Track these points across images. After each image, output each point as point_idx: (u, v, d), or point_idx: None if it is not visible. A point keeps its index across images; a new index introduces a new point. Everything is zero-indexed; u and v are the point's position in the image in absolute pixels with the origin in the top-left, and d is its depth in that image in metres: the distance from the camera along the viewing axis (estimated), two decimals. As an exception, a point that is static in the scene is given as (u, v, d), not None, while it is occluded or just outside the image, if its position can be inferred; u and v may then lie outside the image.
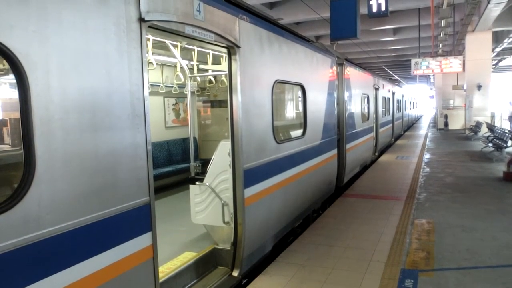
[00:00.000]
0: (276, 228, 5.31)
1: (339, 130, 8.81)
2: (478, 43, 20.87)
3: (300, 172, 6.10)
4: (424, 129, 29.14)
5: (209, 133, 9.09)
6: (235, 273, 4.39)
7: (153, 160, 3.06)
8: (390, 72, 43.76)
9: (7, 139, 4.04)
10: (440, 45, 21.57)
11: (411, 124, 34.72)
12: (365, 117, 11.58)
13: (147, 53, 4.10)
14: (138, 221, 2.88)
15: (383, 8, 9.76)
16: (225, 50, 4.25)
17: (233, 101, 4.24)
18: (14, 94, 2.16)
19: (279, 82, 5.35)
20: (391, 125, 18.25)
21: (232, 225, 4.38)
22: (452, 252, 5.06)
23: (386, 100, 16.50)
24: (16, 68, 2.08)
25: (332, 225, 6.32)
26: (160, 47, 6.66)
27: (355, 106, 10.04)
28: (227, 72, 4.30)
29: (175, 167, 7.98)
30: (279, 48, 5.31)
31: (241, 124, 4.27)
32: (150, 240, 2.98)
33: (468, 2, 15.39)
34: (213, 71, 7.64)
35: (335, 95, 8.23)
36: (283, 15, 17.96)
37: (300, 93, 6.47)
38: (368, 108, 12.24)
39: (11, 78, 2.22)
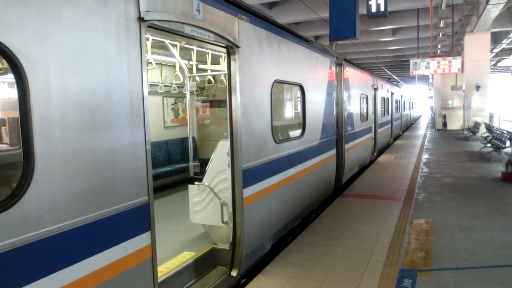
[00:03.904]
0: (275, 228, 5.31)
1: (338, 130, 8.82)
2: (476, 43, 20.92)
3: (299, 172, 6.11)
4: (422, 129, 29.17)
5: (208, 133, 9.09)
6: (234, 273, 4.40)
7: (152, 160, 3.09)
8: (389, 72, 43.82)
9: (6, 138, 4.04)
10: (439, 46, 21.63)
11: (410, 125, 34.76)
12: (364, 117, 11.59)
13: (146, 52, 4.11)
14: (137, 220, 2.88)
15: (382, 9, 9.78)
16: (224, 50, 4.26)
17: (232, 101, 4.24)
18: (14, 93, 2.16)
19: (278, 82, 5.35)
20: (389, 125, 18.27)
21: (231, 224, 4.38)
22: (450, 252, 5.07)
23: (385, 101, 16.53)
24: (15, 67, 2.08)
25: (331, 225, 6.33)
26: (159, 46, 6.67)
27: (354, 106, 10.05)
28: (226, 72, 4.31)
29: (174, 166, 7.98)
30: (278, 48, 5.32)
31: (240, 124, 4.28)
32: (149, 239, 2.98)
33: (467, 3, 15.41)
34: (212, 71, 7.64)
35: (334, 95, 8.24)
36: (282, 15, 17.98)
37: (299, 93, 6.47)
38: (367, 108, 12.25)
39: (10, 77, 2.22)
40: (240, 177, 4.27)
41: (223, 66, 6.72)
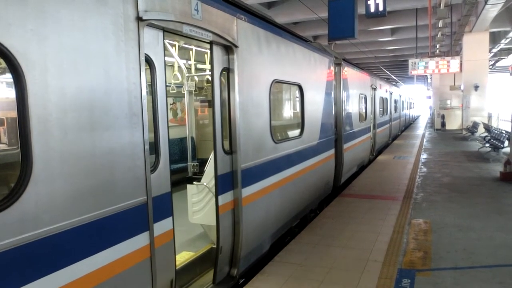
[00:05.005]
0: (274, 227, 5.31)
1: (337, 130, 8.82)
2: (475, 43, 20.96)
3: (298, 172, 6.10)
4: (421, 129, 29.21)
5: (206, 132, 9.07)
6: (233, 273, 4.39)
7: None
8: (388, 72, 43.84)
9: (5, 138, 4.03)
10: (438, 46, 21.64)
11: (408, 125, 34.80)
12: (362, 117, 11.59)
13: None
14: (135, 220, 2.87)
15: (381, 8, 9.78)
16: (209, 45, 4.07)
17: (230, 99, 4.24)
18: (12, 93, 2.15)
19: (277, 82, 5.35)
20: (388, 125, 18.29)
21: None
22: (449, 252, 5.07)
23: (383, 100, 16.54)
24: (13, 67, 2.07)
25: (330, 225, 6.33)
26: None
27: (352, 106, 10.05)
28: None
29: (173, 166, 7.95)
30: (277, 48, 5.32)
31: (239, 124, 4.27)
32: (148, 239, 2.98)
33: (465, 3, 15.43)
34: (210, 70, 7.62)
35: (333, 95, 8.24)
36: (281, 15, 17.98)
37: (297, 93, 6.47)
38: (366, 108, 12.26)
39: (8, 77, 2.21)
40: (238, 177, 4.27)
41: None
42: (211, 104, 4.08)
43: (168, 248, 3.32)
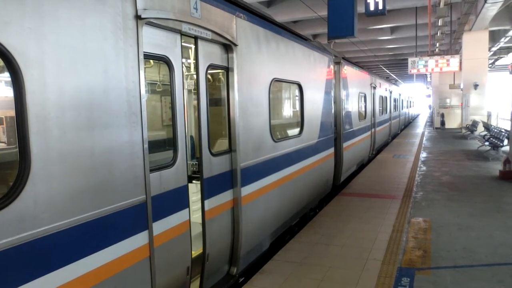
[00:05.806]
0: (273, 226, 5.30)
1: (336, 129, 8.81)
2: (474, 42, 20.96)
3: (297, 171, 6.10)
4: (420, 128, 29.21)
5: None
6: (232, 272, 4.39)
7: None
8: (387, 71, 43.83)
9: (4, 137, 4.02)
10: (437, 44, 21.62)
11: (408, 123, 34.80)
12: (362, 116, 11.59)
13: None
14: (134, 219, 2.86)
15: (380, 7, 9.78)
16: (192, 40, 3.79)
17: (230, 100, 4.24)
18: (9, 92, 2.14)
19: (276, 80, 5.34)
20: (388, 123, 18.29)
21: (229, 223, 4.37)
22: (448, 251, 5.07)
23: (383, 99, 16.53)
24: (11, 66, 2.06)
25: (329, 224, 6.33)
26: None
27: (352, 104, 10.05)
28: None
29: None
30: (276, 47, 5.31)
31: (238, 123, 4.27)
32: (147, 239, 2.97)
33: (465, 1, 15.42)
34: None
35: (332, 94, 8.23)
36: (280, 13, 17.97)
37: (297, 92, 6.46)
38: (365, 106, 12.25)
39: (6, 76, 2.20)
40: (238, 176, 4.26)
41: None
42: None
43: (185, 237, 3.51)
